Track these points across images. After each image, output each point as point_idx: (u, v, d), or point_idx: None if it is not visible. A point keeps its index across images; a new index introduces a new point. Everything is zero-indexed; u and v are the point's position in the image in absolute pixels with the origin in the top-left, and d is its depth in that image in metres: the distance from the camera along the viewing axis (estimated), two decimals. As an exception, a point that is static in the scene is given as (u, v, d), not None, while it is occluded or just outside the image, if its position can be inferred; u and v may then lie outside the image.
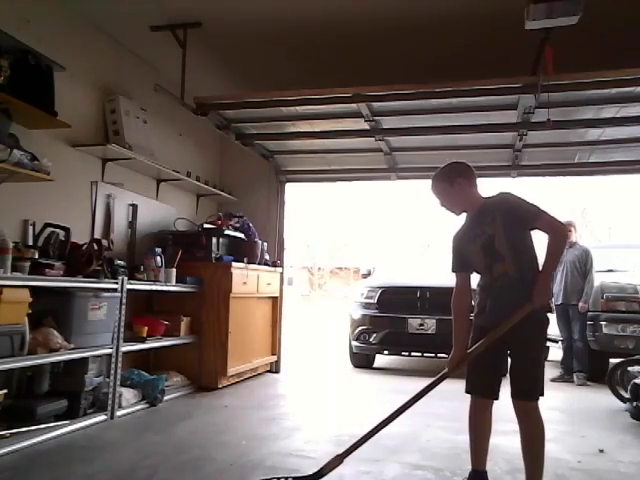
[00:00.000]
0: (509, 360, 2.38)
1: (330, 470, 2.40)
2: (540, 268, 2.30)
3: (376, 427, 2.45)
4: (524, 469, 2.35)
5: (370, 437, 2.46)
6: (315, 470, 2.41)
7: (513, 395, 2.33)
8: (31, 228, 3.54)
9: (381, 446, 3.09)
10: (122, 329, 3.70)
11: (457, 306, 2.49)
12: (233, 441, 3.19)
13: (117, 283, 3.69)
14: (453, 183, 2.42)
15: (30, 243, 3.43)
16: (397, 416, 2.45)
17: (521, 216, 2.29)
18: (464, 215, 2.49)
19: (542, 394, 2.30)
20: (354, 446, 2.44)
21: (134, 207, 4.63)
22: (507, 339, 2.28)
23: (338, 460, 2.41)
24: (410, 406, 2.46)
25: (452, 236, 2.54)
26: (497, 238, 2.30)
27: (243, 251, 5.21)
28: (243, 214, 5.57)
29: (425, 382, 2.51)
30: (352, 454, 2.74)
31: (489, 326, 2.33)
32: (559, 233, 2.29)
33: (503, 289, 2.32)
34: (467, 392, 2.45)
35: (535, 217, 2.27)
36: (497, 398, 2.42)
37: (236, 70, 4.99)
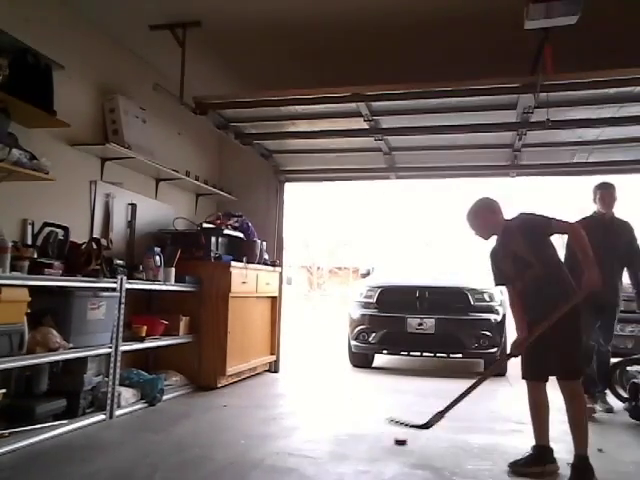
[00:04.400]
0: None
1: (435, 423, 3.10)
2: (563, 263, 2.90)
3: (465, 391, 3.05)
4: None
5: (461, 400, 3.07)
6: (424, 422, 3.11)
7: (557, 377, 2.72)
8: (30, 227, 3.53)
9: (381, 445, 3.10)
10: (121, 328, 3.70)
11: (512, 306, 3.02)
12: (232, 440, 3.19)
13: (116, 282, 3.68)
14: (483, 219, 2.96)
15: (29, 242, 3.42)
16: (474, 389, 3.04)
17: (538, 229, 2.81)
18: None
19: (580, 375, 2.74)
20: (451, 405, 3.07)
21: (133, 206, 4.63)
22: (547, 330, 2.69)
23: (440, 416, 3.10)
24: (481, 383, 3.04)
25: (489, 255, 3.04)
26: (522, 251, 2.81)
27: (242, 250, 5.20)
28: (242, 213, 5.57)
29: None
30: (351, 452, 2.78)
31: (533, 321, 2.79)
32: (572, 231, 2.84)
33: (537, 288, 2.79)
34: (522, 378, 2.88)
35: (548, 226, 2.79)
36: (546, 380, 2.81)
37: (235, 69, 4.98)
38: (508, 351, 3.06)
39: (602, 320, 4.29)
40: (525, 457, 2.77)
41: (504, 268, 2.94)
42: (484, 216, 2.96)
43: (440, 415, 3.09)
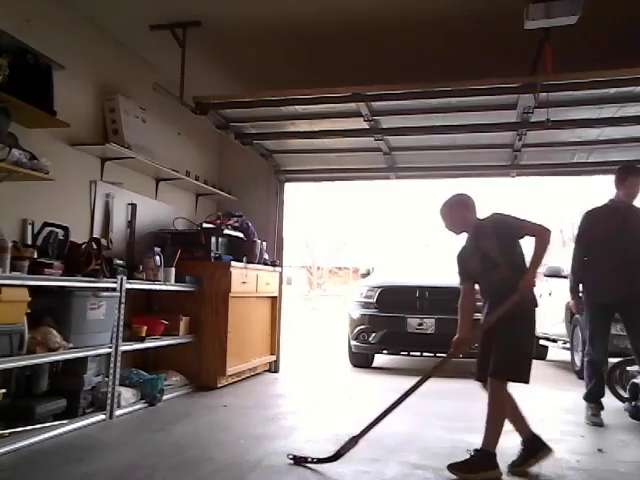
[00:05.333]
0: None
1: (346, 452, 2.75)
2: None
3: (387, 409, 2.87)
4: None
5: (382, 419, 2.84)
6: (333, 453, 2.76)
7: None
8: (30, 227, 3.53)
9: (381, 445, 3.09)
10: (121, 328, 3.69)
11: (462, 305, 3.00)
12: (232, 440, 3.19)
13: (116, 282, 3.68)
14: (458, 213, 2.95)
15: (29, 242, 3.42)
16: (405, 398, 2.89)
17: (509, 229, 2.81)
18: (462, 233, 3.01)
19: (513, 377, 2.71)
20: (367, 428, 2.82)
21: (133, 206, 4.63)
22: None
23: (353, 442, 2.78)
24: (418, 387, 2.92)
25: (457, 254, 3.04)
26: (492, 250, 2.81)
27: (242, 250, 5.20)
28: (242, 213, 5.57)
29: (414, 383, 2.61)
30: (351, 452, 2.78)
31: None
32: (540, 233, 2.78)
33: (500, 289, 2.79)
34: (476, 380, 2.95)
35: (519, 228, 2.80)
36: (527, 382, 2.76)
37: (235, 69, 4.98)
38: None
39: (627, 320, 3.83)
40: (519, 456, 2.80)
41: (470, 266, 2.95)
42: (459, 212, 2.96)
43: (354, 441, 2.79)
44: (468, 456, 2.70)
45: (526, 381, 2.71)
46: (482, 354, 2.87)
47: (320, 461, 2.75)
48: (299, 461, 2.77)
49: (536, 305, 2.81)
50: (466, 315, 2.99)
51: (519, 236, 2.83)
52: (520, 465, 2.75)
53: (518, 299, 2.69)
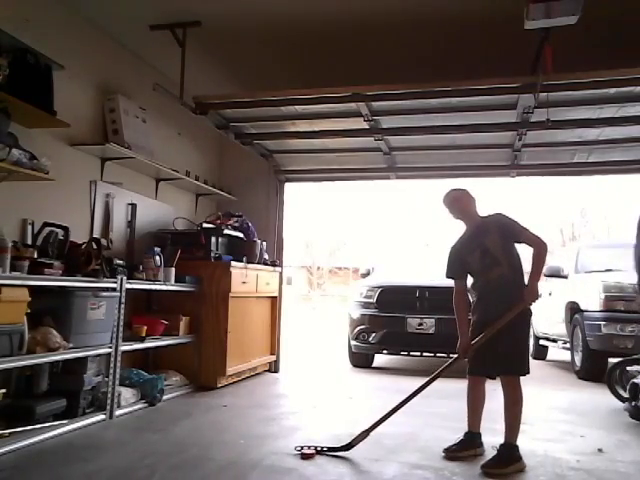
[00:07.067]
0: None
1: (358, 443, 2.94)
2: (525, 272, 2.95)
3: (397, 406, 3.05)
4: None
5: (392, 414, 3.04)
6: (346, 443, 2.94)
7: (500, 372, 2.92)
8: (30, 227, 3.53)
9: (381, 445, 3.09)
10: (121, 328, 3.69)
11: (459, 305, 3.13)
12: (232, 440, 3.18)
13: (116, 282, 3.68)
14: (465, 200, 3.11)
15: (29, 242, 3.42)
16: (413, 397, 3.07)
17: (511, 231, 2.97)
18: (459, 225, 3.15)
19: (525, 372, 2.89)
20: (378, 422, 3.01)
21: (133, 206, 4.63)
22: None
23: (365, 434, 2.98)
24: (424, 388, 3.08)
25: (451, 247, 3.16)
26: (494, 247, 2.94)
27: (242, 250, 5.20)
28: (242, 213, 5.57)
29: (424, 382, 2.60)
30: (351, 452, 2.79)
31: (488, 320, 2.91)
32: (540, 246, 2.90)
33: (499, 287, 2.93)
34: (468, 374, 3.06)
35: (520, 233, 2.95)
36: (487, 377, 3.03)
37: (235, 69, 4.99)
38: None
39: None
40: (457, 443, 3.00)
41: (470, 261, 3.05)
42: (467, 201, 3.11)
43: (366, 433, 2.97)
44: (495, 452, 2.83)
45: (528, 373, 2.92)
46: (480, 352, 2.96)
47: (331, 450, 2.92)
48: (309, 456, 2.85)
49: (531, 309, 2.97)
50: (463, 316, 3.09)
51: (518, 240, 2.95)
52: (456, 451, 2.95)
53: (523, 307, 2.85)
